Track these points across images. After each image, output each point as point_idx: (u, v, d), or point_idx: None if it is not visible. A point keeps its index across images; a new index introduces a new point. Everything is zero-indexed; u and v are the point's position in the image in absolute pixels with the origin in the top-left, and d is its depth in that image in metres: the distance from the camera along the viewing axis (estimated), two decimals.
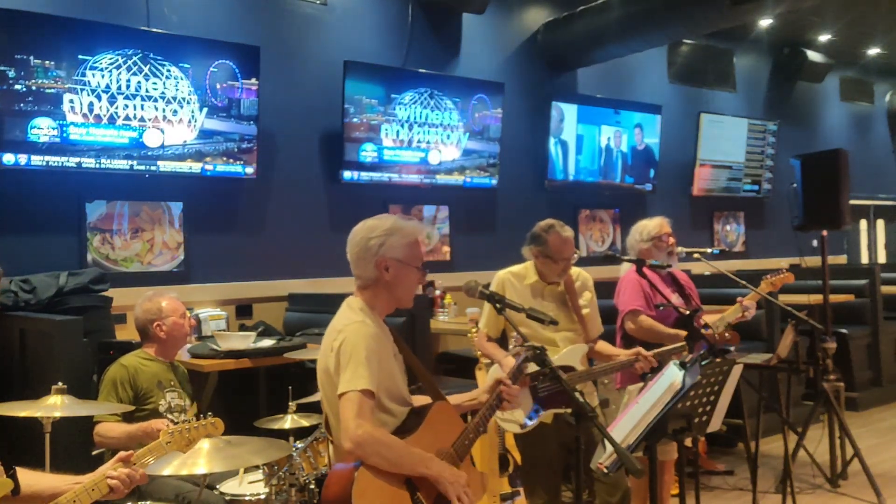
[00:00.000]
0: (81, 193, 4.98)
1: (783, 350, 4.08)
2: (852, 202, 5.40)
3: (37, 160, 4.68)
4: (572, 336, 3.41)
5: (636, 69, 8.27)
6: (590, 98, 7.74)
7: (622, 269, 4.02)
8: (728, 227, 9.31)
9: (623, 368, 3.41)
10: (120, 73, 4.92)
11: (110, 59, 4.88)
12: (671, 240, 4.01)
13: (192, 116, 5.21)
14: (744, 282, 4.16)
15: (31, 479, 2.02)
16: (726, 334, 3.23)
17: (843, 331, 6.89)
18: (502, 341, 3.52)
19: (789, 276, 4.30)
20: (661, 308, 3.72)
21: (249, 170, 5.49)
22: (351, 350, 2.27)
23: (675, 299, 3.80)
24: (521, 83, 7.30)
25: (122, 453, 2.10)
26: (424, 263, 2.53)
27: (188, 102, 5.18)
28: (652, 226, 4.01)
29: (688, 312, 3.27)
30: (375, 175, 6.18)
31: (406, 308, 2.53)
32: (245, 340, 4.39)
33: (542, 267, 3.42)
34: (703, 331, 3.13)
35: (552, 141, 7.37)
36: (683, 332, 3.62)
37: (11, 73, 4.55)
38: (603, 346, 3.51)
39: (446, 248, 6.78)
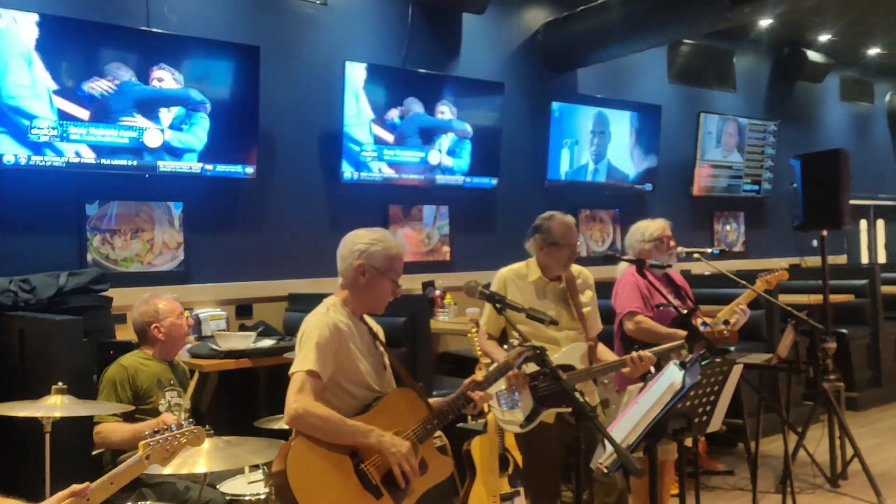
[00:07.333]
0: (81, 193, 4.97)
1: (783, 350, 4.08)
2: (852, 202, 5.40)
3: (37, 160, 4.68)
4: (574, 335, 3.40)
5: (636, 69, 8.26)
6: (590, 98, 7.73)
7: (618, 270, 4.03)
8: (728, 227, 9.31)
9: (617, 369, 3.42)
10: (120, 72, 4.92)
11: (110, 59, 4.88)
12: (672, 242, 4.05)
13: (193, 116, 5.21)
14: (743, 282, 4.17)
15: None
16: (725, 332, 3.22)
17: (843, 331, 6.89)
18: (504, 340, 3.52)
19: (783, 274, 4.33)
20: (661, 308, 3.73)
21: (249, 170, 5.49)
22: (306, 336, 2.49)
23: (672, 299, 3.80)
24: (521, 83, 7.30)
25: (74, 486, 1.96)
26: (399, 280, 2.65)
27: (188, 102, 5.18)
28: (654, 227, 4.03)
29: (685, 311, 3.27)
30: (375, 175, 6.18)
31: (377, 314, 2.69)
32: (245, 340, 4.39)
33: (546, 258, 3.41)
34: (701, 328, 3.13)
35: (552, 140, 7.36)
36: (682, 332, 3.63)
37: (12, 74, 4.55)
38: (603, 352, 3.50)
39: (446, 248, 6.77)
